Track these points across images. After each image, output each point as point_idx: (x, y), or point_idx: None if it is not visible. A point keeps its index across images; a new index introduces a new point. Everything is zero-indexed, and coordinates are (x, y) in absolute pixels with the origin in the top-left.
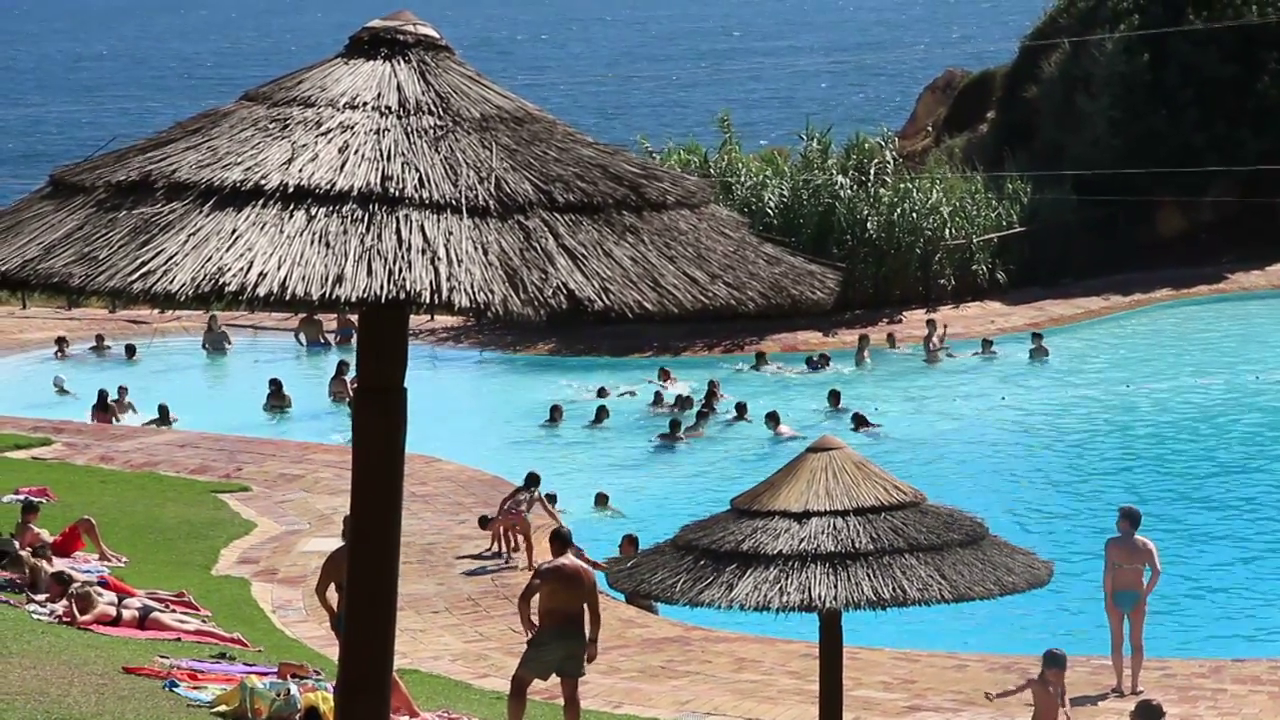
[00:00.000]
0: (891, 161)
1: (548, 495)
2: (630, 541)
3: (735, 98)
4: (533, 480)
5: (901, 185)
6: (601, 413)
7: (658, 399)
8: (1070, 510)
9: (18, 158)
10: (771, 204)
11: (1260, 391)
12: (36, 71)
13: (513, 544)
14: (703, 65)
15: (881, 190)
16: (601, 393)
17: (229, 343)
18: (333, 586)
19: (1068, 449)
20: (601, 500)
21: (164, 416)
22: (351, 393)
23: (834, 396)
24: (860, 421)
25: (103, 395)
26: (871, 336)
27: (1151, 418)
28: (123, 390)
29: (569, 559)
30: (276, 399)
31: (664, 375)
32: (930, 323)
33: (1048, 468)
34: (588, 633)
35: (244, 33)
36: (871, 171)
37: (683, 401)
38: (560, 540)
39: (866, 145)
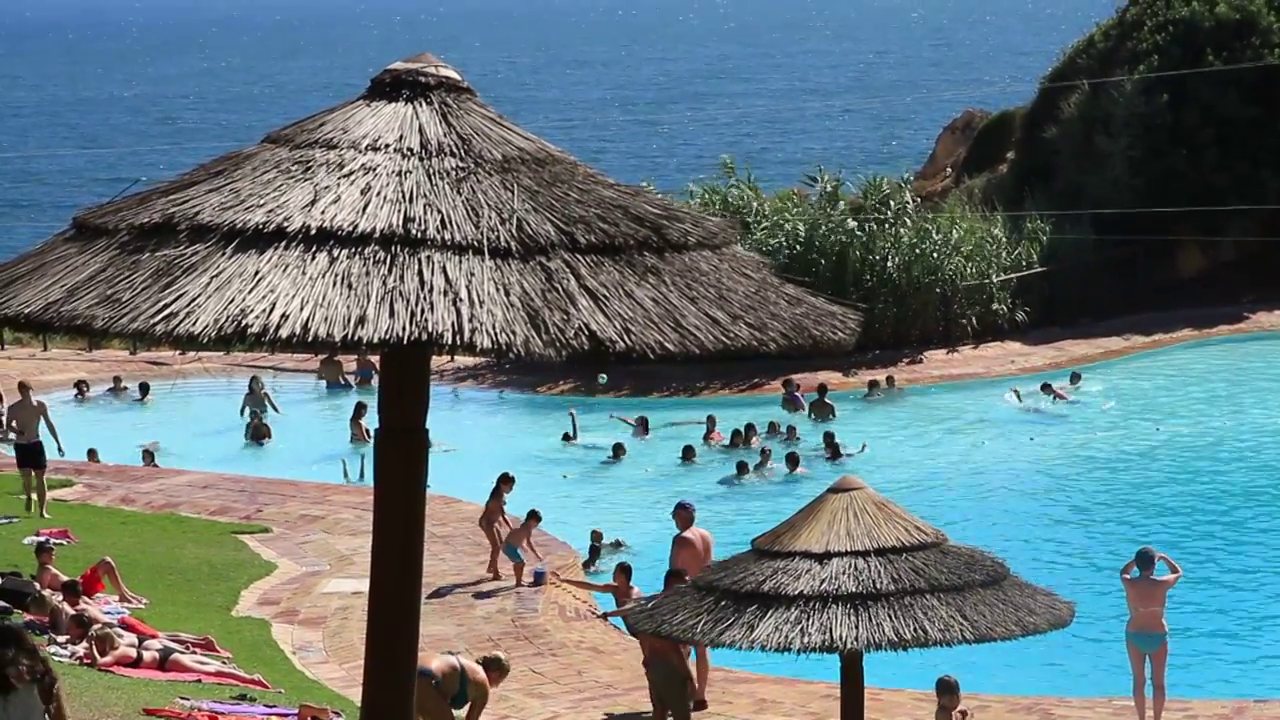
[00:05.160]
0: (910, 202)
1: (531, 513)
2: (622, 570)
3: (748, 139)
4: (502, 480)
5: (921, 226)
6: (688, 452)
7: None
8: (1092, 550)
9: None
10: (786, 243)
11: None
12: (34, 115)
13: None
14: (713, 107)
15: (901, 231)
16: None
17: (276, 409)
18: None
19: (1090, 488)
20: (597, 537)
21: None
22: (364, 435)
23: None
24: (835, 452)
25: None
26: (871, 378)
27: (1174, 457)
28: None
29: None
30: (256, 431)
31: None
32: (1076, 374)
33: (1070, 507)
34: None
35: (238, 77)
36: (890, 212)
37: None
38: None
39: (884, 186)
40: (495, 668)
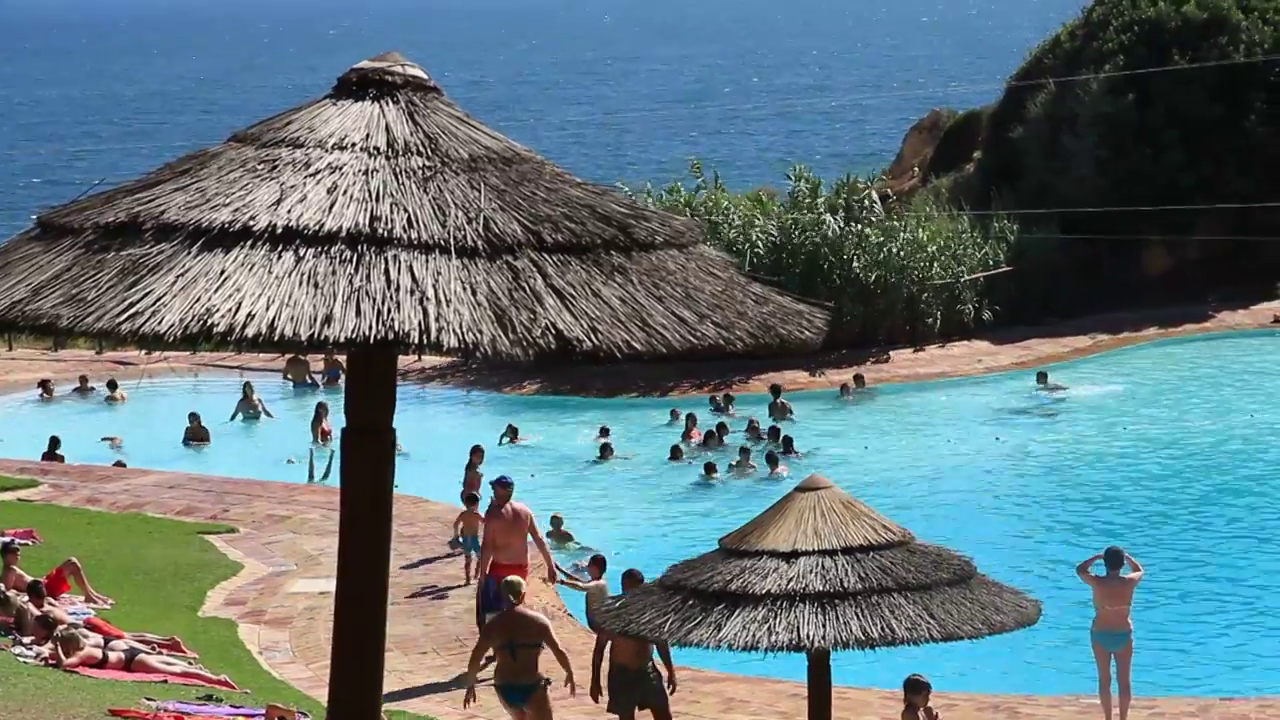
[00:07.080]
0: (879, 201)
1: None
2: (596, 563)
3: (719, 139)
4: (474, 452)
5: (888, 225)
6: (676, 452)
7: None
8: (1059, 549)
9: None
10: (760, 244)
11: (1250, 428)
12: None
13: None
14: (682, 106)
15: (868, 230)
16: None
17: (269, 414)
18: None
19: (1056, 487)
20: (556, 522)
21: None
22: (322, 436)
23: (774, 433)
24: (787, 445)
25: (53, 441)
26: (838, 378)
27: (1142, 456)
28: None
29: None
30: (195, 433)
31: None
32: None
33: (1037, 506)
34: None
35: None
36: (860, 211)
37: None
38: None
39: (857, 185)
40: (517, 593)
